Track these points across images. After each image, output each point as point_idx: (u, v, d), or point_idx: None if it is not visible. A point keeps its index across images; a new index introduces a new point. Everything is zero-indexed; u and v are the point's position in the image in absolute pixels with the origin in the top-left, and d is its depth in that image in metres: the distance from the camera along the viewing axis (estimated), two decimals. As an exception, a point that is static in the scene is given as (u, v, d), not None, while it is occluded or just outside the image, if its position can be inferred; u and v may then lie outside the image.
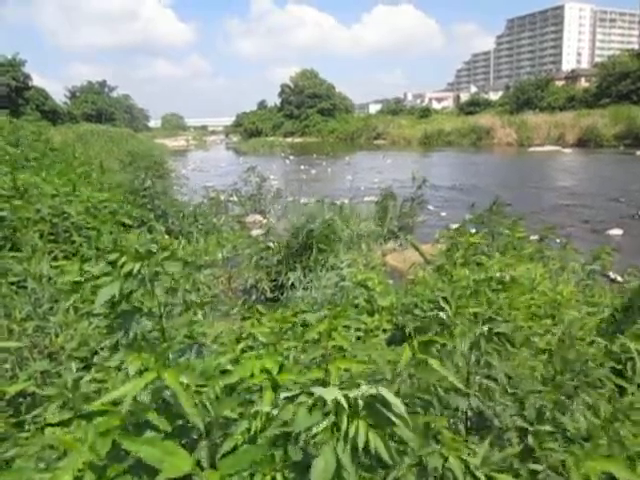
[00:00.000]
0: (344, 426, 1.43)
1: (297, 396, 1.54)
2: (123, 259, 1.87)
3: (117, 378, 2.37)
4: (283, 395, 1.57)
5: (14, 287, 4.43)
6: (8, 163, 9.38)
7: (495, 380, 2.24)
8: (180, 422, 1.55)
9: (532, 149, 49.53)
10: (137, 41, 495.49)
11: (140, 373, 1.55)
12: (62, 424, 1.48)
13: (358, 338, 3.19)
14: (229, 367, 1.93)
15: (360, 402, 1.46)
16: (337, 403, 1.44)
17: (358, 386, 1.49)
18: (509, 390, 2.20)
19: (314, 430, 1.44)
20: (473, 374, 2.24)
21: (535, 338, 2.97)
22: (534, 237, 6.62)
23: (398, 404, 1.47)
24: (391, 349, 2.69)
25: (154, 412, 1.48)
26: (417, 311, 3.45)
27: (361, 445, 1.40)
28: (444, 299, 2.51)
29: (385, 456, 1.40)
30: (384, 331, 3.47)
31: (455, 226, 8.09)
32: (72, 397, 2.31)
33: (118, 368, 2.46)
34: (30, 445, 1.96)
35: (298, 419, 1.48)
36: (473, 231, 5.73)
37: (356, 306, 3.72)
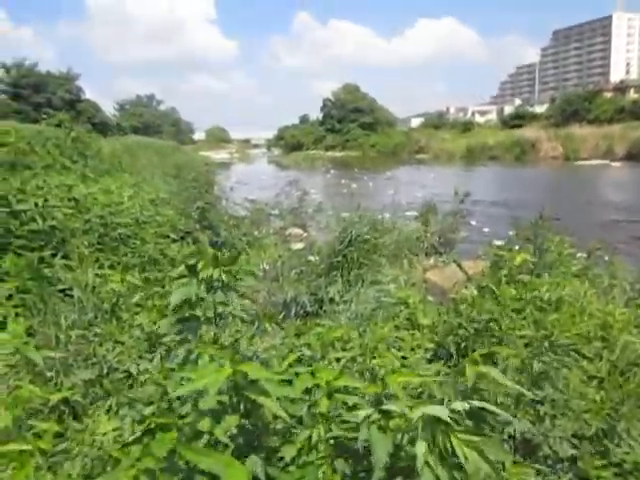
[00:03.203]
0: (441, 442, 1.38)
1: (370, 415, 1.52)
2: (202, 263, 1.88)
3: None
4: (362, 414, 1.55)
5: (61, 295, 4.59)
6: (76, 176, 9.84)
7: (543, 403, 2.17)
8: (234, 431, 1.56)
9: (579, 163, 48.33)
10: (184, 56, 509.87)
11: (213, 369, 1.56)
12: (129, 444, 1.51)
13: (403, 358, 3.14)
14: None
15: (457, 417, 1.42)
16: (432, 419, 1.40)
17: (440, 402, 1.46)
18: (559, 414, 2.12)
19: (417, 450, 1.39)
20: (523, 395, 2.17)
21: (584, 362, 2.87)
22: (582, 254, 6.42)
23: (502, 413, 1.43)
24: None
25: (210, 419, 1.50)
26: (461, 331, 3.39)
27: (463, 461, 1.35)
28: (492, 320, 2.45)
29: (487, 470, 1.34)
30: (426, 350, 3.42)
31: (498, 242, 7.93)
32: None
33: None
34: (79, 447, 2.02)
35: (376, 443, 1.46)
36: (517, 248, 5.60)
37: (396, 326, 3.68)
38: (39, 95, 54.76)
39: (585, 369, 2.74)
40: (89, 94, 60.79)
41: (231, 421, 1.52)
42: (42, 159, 10.80)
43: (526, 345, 2.69)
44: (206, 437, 1.53)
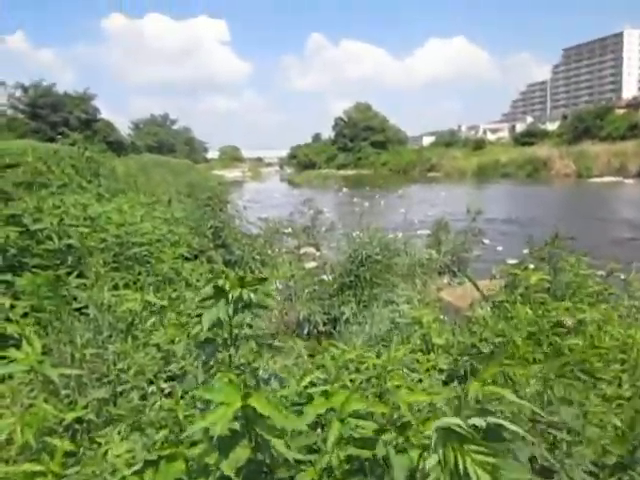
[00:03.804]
0: (452, 461, 1.35)
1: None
2: (228, 284, 1.87)
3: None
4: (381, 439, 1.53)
5: (77, 313, 4.61)
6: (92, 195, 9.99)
7: (560, 429, 2.12)
8: (243, 464, 1.54)
9: (591, 180, 48.08)
10: (197, 77, 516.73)
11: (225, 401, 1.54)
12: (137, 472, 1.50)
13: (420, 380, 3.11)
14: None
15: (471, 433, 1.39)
16: (446, 435, 1.37)
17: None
18: (577, 441, 2.08)
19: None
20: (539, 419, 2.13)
21: (602, 385, 2.81)
22: (599, 272, 6.33)
23: (516, 428, 1.40)
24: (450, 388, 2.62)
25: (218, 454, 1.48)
26: (474, 352, 3.36)
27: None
28: (507, 342, 2.43)
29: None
30: (440, 371, 3.38)
31: (512, 261, 7.86)
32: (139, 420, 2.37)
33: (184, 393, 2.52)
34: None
35: (395, 463, 1.44)
36: (532, 267, 5.55)
37: (412, 348, 3.65)
38: (56, 114, 55.66)
39: (604, 393, 2.69)
40: (105, 113, 61.57)
41: (241, 454, 1.50)
42: (58, 178, 10.96)
43: (542, 368, 2.65)
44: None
